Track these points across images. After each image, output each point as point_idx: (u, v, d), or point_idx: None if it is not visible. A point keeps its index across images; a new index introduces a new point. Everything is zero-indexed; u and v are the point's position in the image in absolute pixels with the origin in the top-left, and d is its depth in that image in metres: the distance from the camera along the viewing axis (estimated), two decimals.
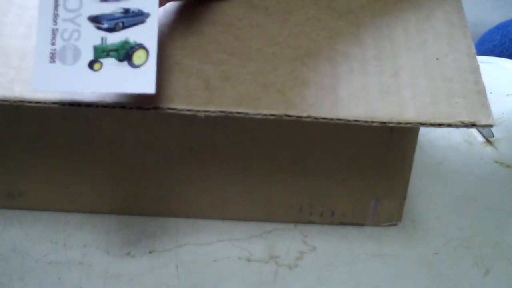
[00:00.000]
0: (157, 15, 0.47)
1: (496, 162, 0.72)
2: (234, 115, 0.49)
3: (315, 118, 0.49)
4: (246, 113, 0.49)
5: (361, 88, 0.51)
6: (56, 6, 0.46)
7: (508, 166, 0.72)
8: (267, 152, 0.59)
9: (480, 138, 0.75)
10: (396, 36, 0.55)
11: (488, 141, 0.75)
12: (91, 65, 0.46)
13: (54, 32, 0.46)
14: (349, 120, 0.50)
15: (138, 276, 0.59)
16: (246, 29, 0.54)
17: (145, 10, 0.47)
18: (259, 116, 0.49)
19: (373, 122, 0.50)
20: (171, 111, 0.49)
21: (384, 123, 0.50)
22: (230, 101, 0.49)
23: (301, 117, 0.49)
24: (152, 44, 0.47)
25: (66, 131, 0.57)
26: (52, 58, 0.46)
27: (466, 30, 0.55)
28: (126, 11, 0.47)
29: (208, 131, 0.57)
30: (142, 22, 0.47)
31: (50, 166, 0.60)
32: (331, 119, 0.49)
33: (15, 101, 0.49)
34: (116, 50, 0.47)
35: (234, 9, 0.55)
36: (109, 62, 0.47)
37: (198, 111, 0.49)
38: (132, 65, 0.47)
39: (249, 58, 0.52)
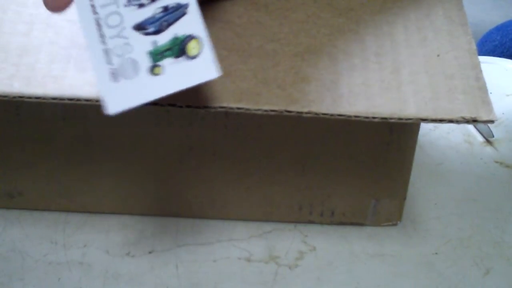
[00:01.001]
0: (196, 2, 0.47)
1: (496, 162, 0.72)
2: (234, 111, 0.49)
3: (316, 113, 0.49)
4: (247, 109, 0.49)
5: (361, 84, 0.51)
6: (99, 27, 0.46)
7: (508, 166, 0.72)
8: (267, 152, 0.59)
9: (480, 138, 0.75)
10: (396, 33, 0.55)
11: (488, 141, 0.75)
12: (152, 71, 0.46)
13: (107, 52, 0.46)
14: (349, 116, 0.49)
15: (138, 276, 0.59)
16: (246, 26, 0.54)
17: (182, 1, 0.47)
18: (259, 112, 0.49)
19: (373, 118, 0.49)
20: (171, 107, 0.49)
21: (385, 118, 0.49)
22: (230, 97, 0.49)
23: (301, 112, 0.49)
24: (201, 31, 0.47)
25: (66, 131, 0.57)
26: (115, 77, 0.46)
27: (467, 27, 0.55)
28: (165, 8, 0.47)
29: (208, 131, 0.57)
30: (184, 14, 0.47)
31: (50, 166, 0.60)
32: (332, 114, 0.49)
33: (14, 97, 0.49)
34: (169, 49, 0.47)
35: (234, 7, 0.56)
36: (167, 63, 0.46)
37: (198, 107, 0.49)
38: (189, 57, 0.47)
39: (249, 54, 0.52)
